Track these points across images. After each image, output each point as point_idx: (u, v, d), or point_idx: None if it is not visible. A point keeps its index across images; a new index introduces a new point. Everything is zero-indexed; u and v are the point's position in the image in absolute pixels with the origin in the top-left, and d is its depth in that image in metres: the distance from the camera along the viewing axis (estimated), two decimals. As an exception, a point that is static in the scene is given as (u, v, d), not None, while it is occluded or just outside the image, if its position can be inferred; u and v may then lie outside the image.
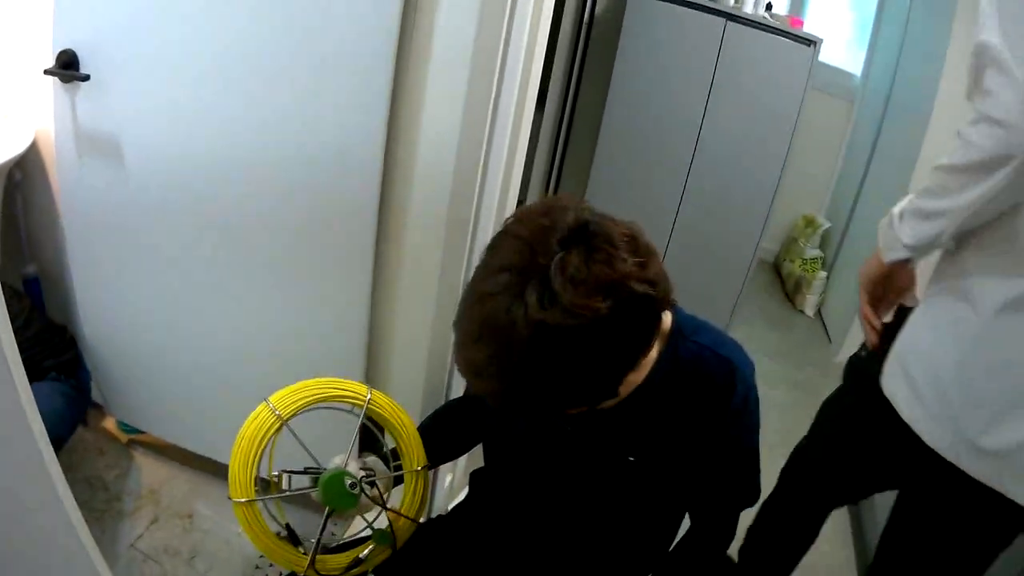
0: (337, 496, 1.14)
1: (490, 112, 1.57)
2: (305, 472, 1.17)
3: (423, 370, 1.88)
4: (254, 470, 1.11)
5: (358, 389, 1.22)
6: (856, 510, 2.55)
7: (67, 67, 1.69)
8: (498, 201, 1.74)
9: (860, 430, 1.54)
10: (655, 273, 0.89)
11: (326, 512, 1.16)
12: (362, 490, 1.16)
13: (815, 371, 3.60)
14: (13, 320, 1.86)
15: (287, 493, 1.14)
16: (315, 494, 1.15)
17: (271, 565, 2.01)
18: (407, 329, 1.88)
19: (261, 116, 1.64)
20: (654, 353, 1.08)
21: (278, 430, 1.14)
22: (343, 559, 1.23)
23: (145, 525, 2.11)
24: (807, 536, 1.83)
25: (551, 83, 3.38)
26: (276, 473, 1.17)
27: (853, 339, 3.63)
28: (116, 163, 1.80)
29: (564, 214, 0.88)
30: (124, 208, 1.87)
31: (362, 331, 1.85)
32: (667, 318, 1.11)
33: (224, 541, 2.10)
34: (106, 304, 2.08)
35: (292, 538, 1.19)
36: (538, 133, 3.47)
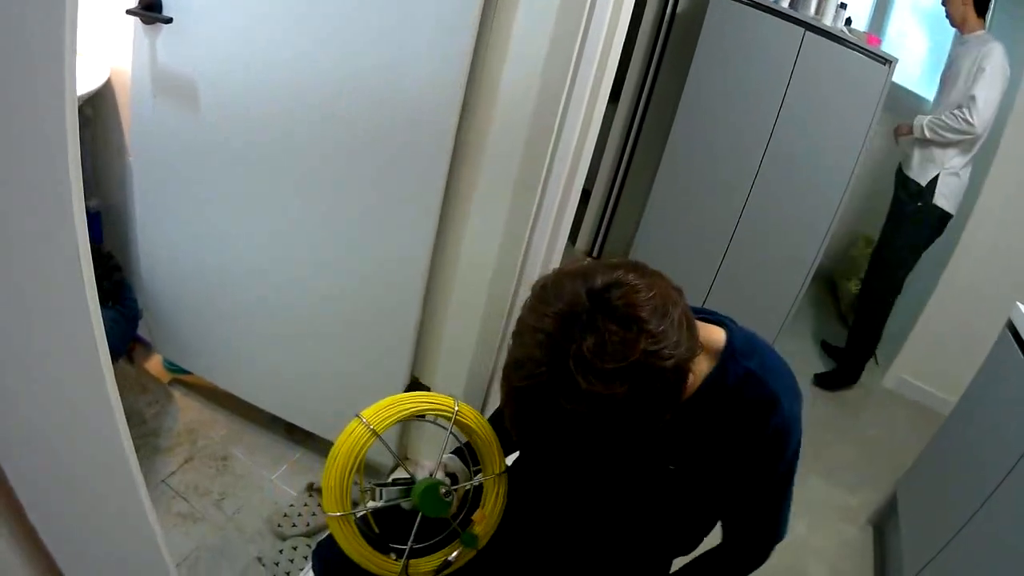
0: (433, 504, 1.20)
1: (564, 97, 1.57)
2: (394, 484, 1.23)
3: (475, 334, 1.89)
4: (350, 485, 1.17)
5: (446, 401, 1.26)
6: (880, 530, 2.51)
7: (149, 8, 1.71)
8: (563, 189, 1.74)
9: None
10: (675, 341, 0.89)
11: (418, 518, 1.22)
12: (455, 497, 1.23)
13: (860, 392, 3.53)
14: None
15: (381, 504, 1.20)
16: (406, 503, 1.21)
17: (299, 515, 2.04)
18: (464, 289, 1.88)
19: (338, 63, 1.65)
20: (704, 368, 1.08)
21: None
22: (433, 562, 1.27)
23: (179, 463, 2.15)
24: None
25: (628, 76, 3.36)
26: (368, 486, 1.22)
27: (901, 365, 3.56)
28: (190, 105, 1.83)
29: (577, 298, 0.89)
30: (193, 150, 1.91)
31: (418, 287, 1.84)
32: (719, 335, 1.11)
33: (256, 487, 2.13)
34: (165, 243, 2.12)
35: (381, 546, 1.23)
36: (610, 125, 3.45)
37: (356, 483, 1.20)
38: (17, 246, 0.64)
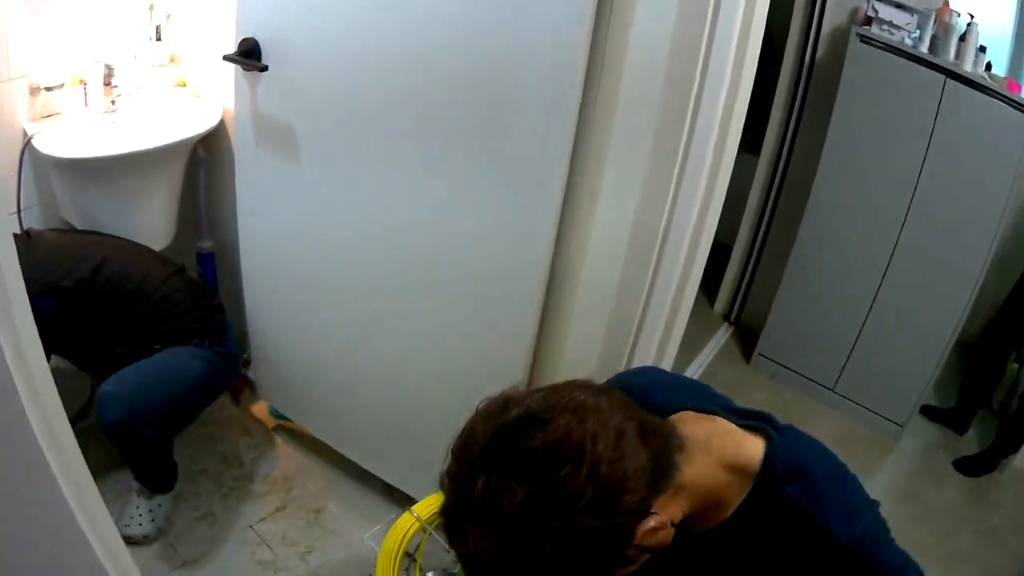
0: None
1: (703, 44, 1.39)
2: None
3: (603, 328, 1.70)
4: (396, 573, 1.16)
5: None
6: None
7: (248, 55, 1.71)
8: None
9: None
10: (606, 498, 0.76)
11: None
12: None
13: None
14: (154, 287, 1.92)
15: None
16: None
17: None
18: (588, 293, 1.69)
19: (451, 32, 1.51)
20: (734, 492, 0.90)
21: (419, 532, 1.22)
22: None
23: (270, 511, 2.11)
24: None
25: (768, 128, 3.18)
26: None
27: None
28: (290, 151, 1.81)
29: (479, 433, 0.82)
30: (295, 196, 1.88)
31: (541, 280, 1.65)
32: (755, 449, 0.91)
33: (345, 543, 2.05)
34: (270, 288, 2.11)
35: None
36: (752, 178, 3.26)
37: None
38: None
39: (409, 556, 1.39)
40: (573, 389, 0.82)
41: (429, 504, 1.20)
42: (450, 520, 0.81)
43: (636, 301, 1.63)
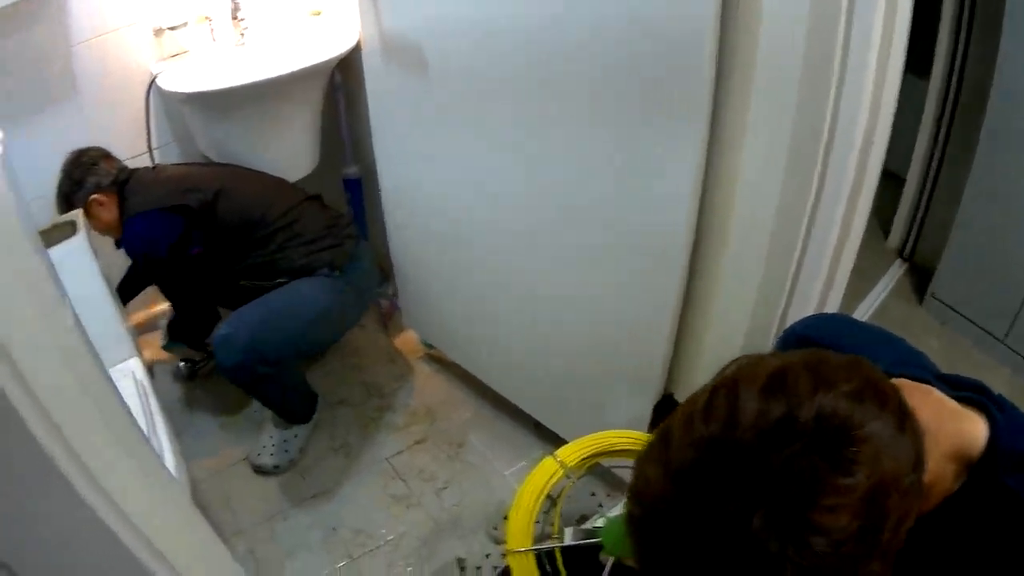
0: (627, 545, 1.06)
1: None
2: (583, 524, 1.19)
3: (760, 264, 1.48)
4: (532, 522, 1.14)
5: (639, 437, 1.22)
6: None
7: None
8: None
9: None
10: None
11: (608, 565, 1.11)
12: None
13: None
14: (278, 213, 1.91)
15: (567, 544, 1.14)
16: (601, 547, 1.11)
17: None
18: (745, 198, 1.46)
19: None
20: (946, 477, 0.74)
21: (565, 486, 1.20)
22: None
23: (408, 443, 2.08)
24: None
25: (936, 50, 2.78)
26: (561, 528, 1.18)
27: None
28: (419, 67, 1.70)
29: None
30: (429, 112, 1.78)
31: (679, 266, 1.49)
32: (977, 429, 0.74)
33: (484, 481, 1.99)
34: (409, 213, 2.04)
35: None
36: (922, 104, 2.88)
37: (539, 522, 1.16)
38: None
39: (551, 499, 1.32)
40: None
41: (573, 449, 1.14)
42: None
43: (795, 232, 1.40)
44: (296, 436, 2.03)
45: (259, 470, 2.02)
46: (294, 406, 2.02)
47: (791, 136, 1.29)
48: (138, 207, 1.87)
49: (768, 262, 1.45)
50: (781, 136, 1.30)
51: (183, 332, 2.18)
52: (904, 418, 0.62)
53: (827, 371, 0.61)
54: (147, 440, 1.20)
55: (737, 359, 0.68)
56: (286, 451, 2.01)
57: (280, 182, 2.03)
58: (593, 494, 1.88)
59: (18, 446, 0.62)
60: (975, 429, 0.74)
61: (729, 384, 0.63)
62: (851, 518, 0.55)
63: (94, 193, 1.89)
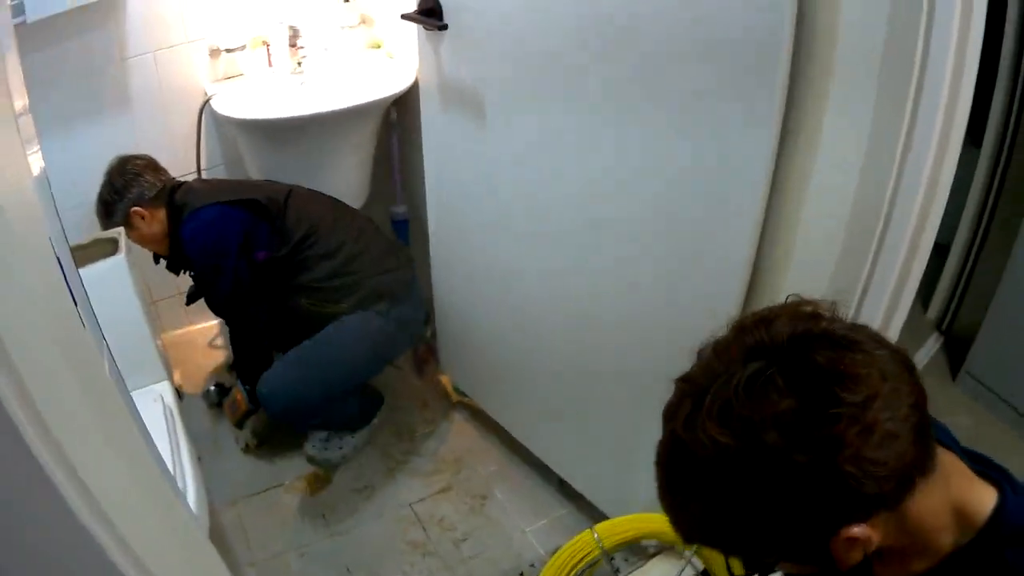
0: None
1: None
2: None
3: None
4: None
5: None
6: None
7: (428, 14, 1.61)
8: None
9: None
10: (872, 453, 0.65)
11: None
12: None
13: None
14: (345, 229, 1.90)
15: None
16: None
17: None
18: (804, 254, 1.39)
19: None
20: (946, 539, 0.76)
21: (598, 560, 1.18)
22: None
23: (433, 491, 2.04)
24: None
25: (990, 118, 2.71)
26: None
27: None
28: (478, 114, 1.69)
29: (781, 325, 0.72)
30: (482, 165, 1.76)
31: (745, 262, 1.37)
32: (986, 498, 0.77)
33: (505, 536, 1.94)
34: (457, 259, 2.02)
35: None
36: (972, 173, 2.81)
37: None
38: None
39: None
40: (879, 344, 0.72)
41: (614, 531, 1.09)
42: (689, 388, 0.73)
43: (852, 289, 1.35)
44: (354, 436, 2.03)
45: (312, 461, 2.02)
46: (347, 421, 2.02)
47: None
48: (200, 202, 1.81)
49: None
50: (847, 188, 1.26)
51: (242, 367, 2.06)
52: (912, 370, 0.72)
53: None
54: (167, 471, 1.17)
55: None
56: (340, 448, 2.00)
57: (341, 202, 2.02)
58: (612, 558, 1.81)
59: (19, 469, 0.59)
60: (985, 495, 0.76)
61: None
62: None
63: (135, 206, 1.83)
